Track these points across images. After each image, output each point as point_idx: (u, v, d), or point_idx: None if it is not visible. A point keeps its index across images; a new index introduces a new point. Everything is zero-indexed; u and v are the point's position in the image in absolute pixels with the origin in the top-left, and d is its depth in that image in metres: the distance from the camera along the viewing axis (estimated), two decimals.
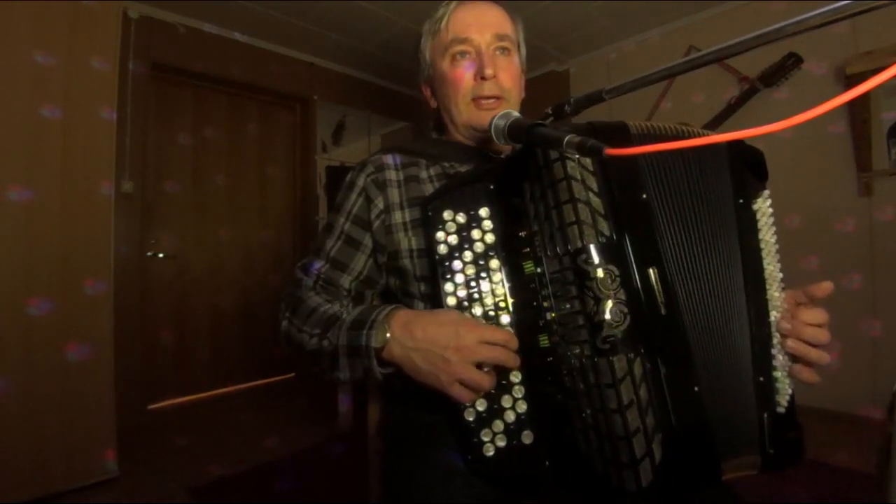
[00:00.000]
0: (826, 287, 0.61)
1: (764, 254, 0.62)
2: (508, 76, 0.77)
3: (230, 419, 2.54)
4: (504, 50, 0.78)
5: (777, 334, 0.61)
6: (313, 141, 3.34)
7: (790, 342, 0.60)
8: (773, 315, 0.61)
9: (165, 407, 2.70)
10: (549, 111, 0.61)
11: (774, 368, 0.60)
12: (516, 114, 0.62)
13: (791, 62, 2.31)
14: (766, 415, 0.58)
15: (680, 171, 0.59)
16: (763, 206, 0.64)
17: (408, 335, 0.58)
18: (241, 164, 3.11)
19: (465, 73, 0.76)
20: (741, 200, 0.62)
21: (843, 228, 2.24)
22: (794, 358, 0.61)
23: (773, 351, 0.60)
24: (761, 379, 0.59)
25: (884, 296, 2.14)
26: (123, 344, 2.17)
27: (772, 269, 0.62)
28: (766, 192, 0.64)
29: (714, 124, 2.60)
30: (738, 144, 0.64)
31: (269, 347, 3.11)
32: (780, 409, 0.59)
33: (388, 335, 0.60)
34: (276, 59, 3.08)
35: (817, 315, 0.60)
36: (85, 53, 1.75)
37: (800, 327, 0.60)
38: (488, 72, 0.74)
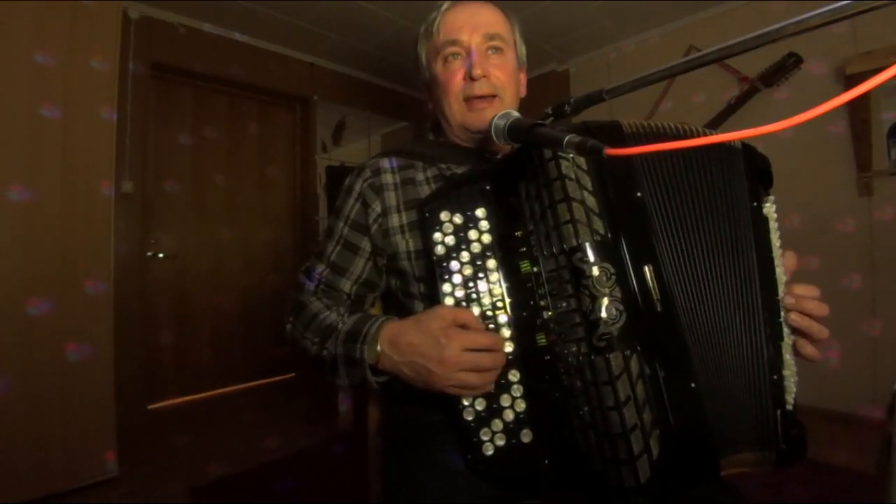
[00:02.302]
0: (789, 256, 0.64)
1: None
2: (502, 73, 0.77)
3: (230, 419, 2.54)
4: (496, 49, 0.78)
5: (787, 333, 0.61)
6: (313, 141, 3.34)
7: (794, 315, 0.61)
8: (782, 315, 0.62)
9: (165, 407, 2.70)
10: (549, 111, 0.61)
11: (784, 367, 0.61)
12: (516, 114, 0.62)
13: (791, 62, 2.31)
14: (779, 412, 0.59)
15: (680, 170, 0.60)
16: (770, 210, 0.65)
17: (395, 349, 0.60)
18: (241, 164, 3.11)
19: (456, 74, 0.77)
20: (755, 204, 0.63)
21: (843, 228, 2.24)
22: (795, 333, 0.63)
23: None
24: (775, 377, 0.59)
25: (884, 296, 2.14)
26: (123, 344, 2.17)
27: (779, 271, 0.63)
28: (772, 198, 0.66)
29: (714, 124, 2.60)
30: (751, 150, 0.65)
31: (269, 347, 3.11)
32: (789, 407, 0.60)
33: (378, 349, 0.62)
34: (276, 59, 3.08)
35: (811, 289, 0.63)
36: (85, 53, 1.75)
37: (802, 301, 0.61)
38: (476, 72, 0.74)
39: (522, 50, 0.85)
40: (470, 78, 0.75)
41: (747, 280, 0.60)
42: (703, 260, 0.58)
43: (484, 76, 0.75)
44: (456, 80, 0.77)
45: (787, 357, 0.61)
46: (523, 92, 0.85)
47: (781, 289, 0.62)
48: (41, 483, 1.60)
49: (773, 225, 0.64)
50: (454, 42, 0.77)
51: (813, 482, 1.65)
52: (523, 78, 0.86)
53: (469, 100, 0.77)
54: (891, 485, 0.68)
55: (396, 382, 0.64)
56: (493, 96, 0.77)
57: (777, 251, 0.63)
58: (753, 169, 0.64)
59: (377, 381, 0.63)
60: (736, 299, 0.59)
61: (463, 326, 0.58)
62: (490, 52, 0.78)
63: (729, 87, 2.58)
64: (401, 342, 0.60)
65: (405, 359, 0.59)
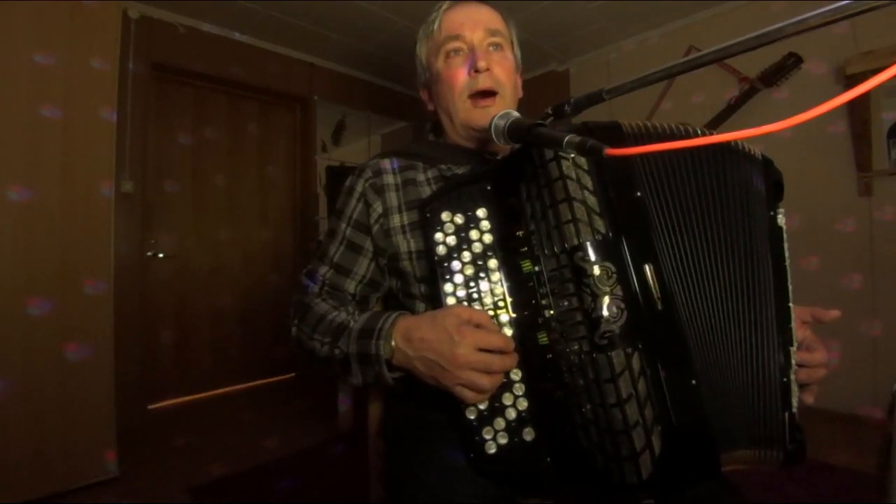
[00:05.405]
0: (834, 315, 0.65)
1: None
2: (502, 70, 0.78)
3: (230, 419, 2.54)
4: (497, 46, 0.79)
5: (796, 339, 0.62)
6: (313, 141, 3.34)
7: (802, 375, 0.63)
8: (793, 322, 0.63)
9: (165, 407, 2.70)
10: (549, 111, 0.61)
11: (791, 371, 0.62)
12: (516, 114, 0.62)
13: (791, 62, 2.31)
14: (787, 414, 0.60)
15: (687, 171, 0.60)
16: (782, 221, 0.66)
17: (408, 344, 0.60)
18: (241, 164, 3.11)
19: (459, 70, 0.77)
20: (772, 213, 0.64)
21: (843, 228, 2.24)
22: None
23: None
24: (784, 380, 0.60)
25: (884, 296, 2.14)
26: (123, 344, 2.16)
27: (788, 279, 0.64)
28: (782, 210, 0.67)
29: (714, 124, 2.60)
30: (768, 160, 0.67)
31: (269, 347, 3.11)
32: (794, 409, 0.61)
33: (393, 344, 0.61)
34: (276, 59, 3.08)
35: (824, 356, 0.65)
36: (85, 53, 1.75)
37: (814, 374, 0.63)
38: (481, 64, 0.75)
39: (518, 53, 0.86)
40: (475, 71, 0.75)
41: (761, 285, 0.60)
42: (707, 260, 0.58)
43: (488, 69, 0.75)
44: (460, 77, 0.77)
45: (794, 361, 0.62)
46: (520, 93, 0.86)
47: (792, 297, 0.63)
48: (41, 483, 1.60)
49: (783, 234, 0.65)
50: (457, 37, 0.78)
51: (813, 482, 1.65)
52: (519, 80, 0.87)
53: (473, 97, 0.77)
54: (891, 485, 0.68)
55: (400, 381, 0.64)
56: (495, 93, 0.77)
57: (787, 259, 0.64)
58: (770, 179, 0.65)
59: (392, 377, 0.63)
60: (746, 303, 0.59)
61: (477, 326, 0.58)
62: (491, 48, 0.78)
63: (729, 87, 2.58)
64: (414, 337, 0.59)
65: (418, 354, 0.59)
